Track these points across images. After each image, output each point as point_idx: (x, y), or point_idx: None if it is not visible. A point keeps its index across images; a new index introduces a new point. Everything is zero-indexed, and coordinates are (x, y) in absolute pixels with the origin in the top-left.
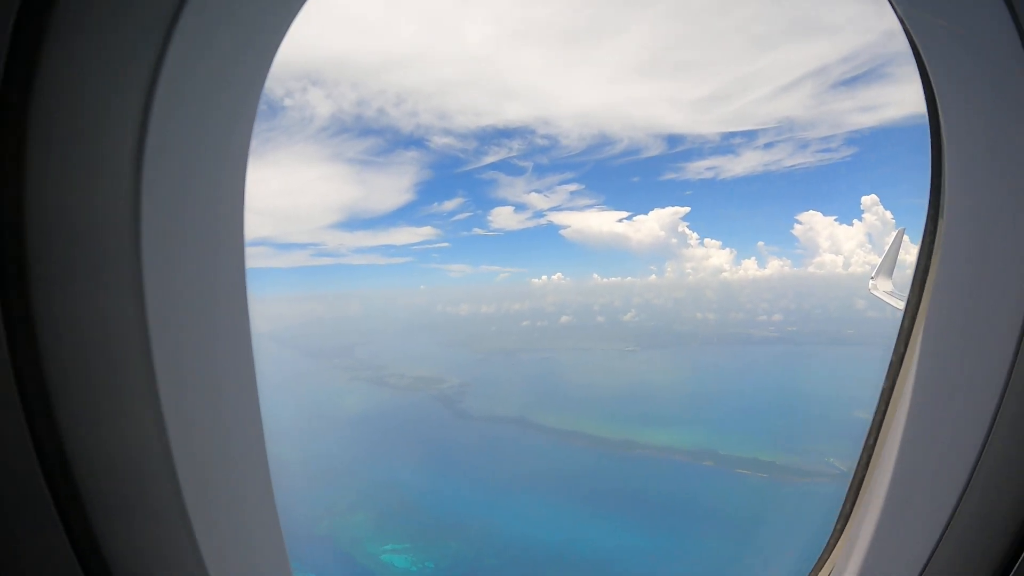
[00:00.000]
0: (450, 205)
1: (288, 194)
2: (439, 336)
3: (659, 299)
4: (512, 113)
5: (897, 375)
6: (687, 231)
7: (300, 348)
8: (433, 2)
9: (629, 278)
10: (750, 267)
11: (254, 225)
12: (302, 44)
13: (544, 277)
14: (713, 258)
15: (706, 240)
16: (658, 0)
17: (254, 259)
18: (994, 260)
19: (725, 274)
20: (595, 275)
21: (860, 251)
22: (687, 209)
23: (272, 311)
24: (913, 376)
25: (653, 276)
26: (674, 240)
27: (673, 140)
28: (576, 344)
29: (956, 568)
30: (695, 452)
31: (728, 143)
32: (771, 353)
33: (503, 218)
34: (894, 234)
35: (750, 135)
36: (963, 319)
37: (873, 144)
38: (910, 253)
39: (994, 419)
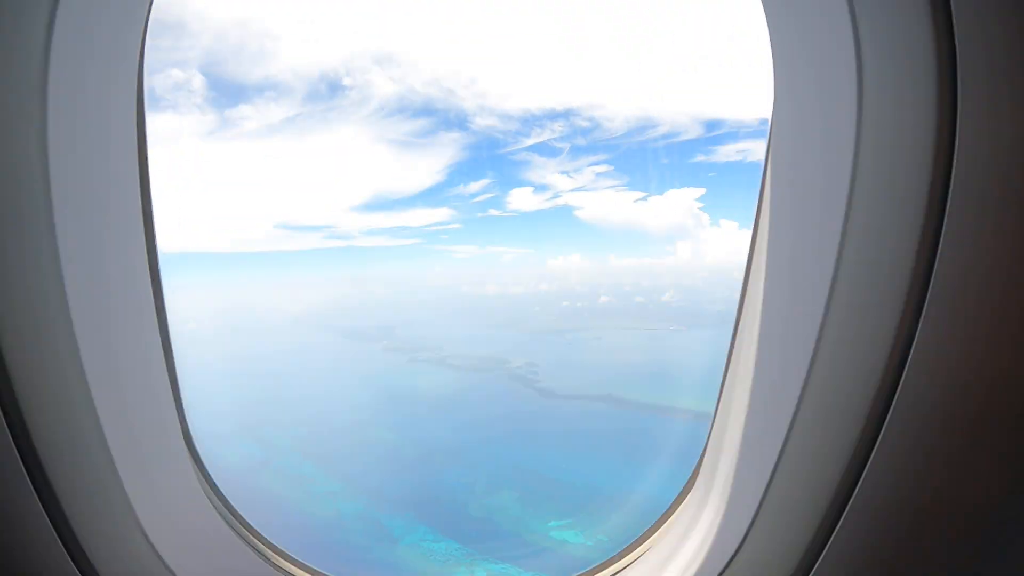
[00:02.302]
0: (475, 187)
1: (322, 176)
2: (477, 317)
3: (686, 279)
4: (569, 95)
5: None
6: (700, 212)
7: (337, 330)
8: None
9: (647, 259)
10: None
11: (282, 207)
12: (384, 24)
13: (561, 258)
14: (730, 239)
15: (721, 221)
16: None
17: (271, 242)
18: (810, 250)
19: (745, 255)
20: (612, 256)
21: None
22: (702, 190)
23: (292, 295)
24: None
25: (670, 257)
26: (690, 221)
27: (712, 124)
28: (620, 324)
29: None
30: None
31: (763, 128)
32: None
33: (521, 199)
34: None
35: None
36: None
37: None
38: None
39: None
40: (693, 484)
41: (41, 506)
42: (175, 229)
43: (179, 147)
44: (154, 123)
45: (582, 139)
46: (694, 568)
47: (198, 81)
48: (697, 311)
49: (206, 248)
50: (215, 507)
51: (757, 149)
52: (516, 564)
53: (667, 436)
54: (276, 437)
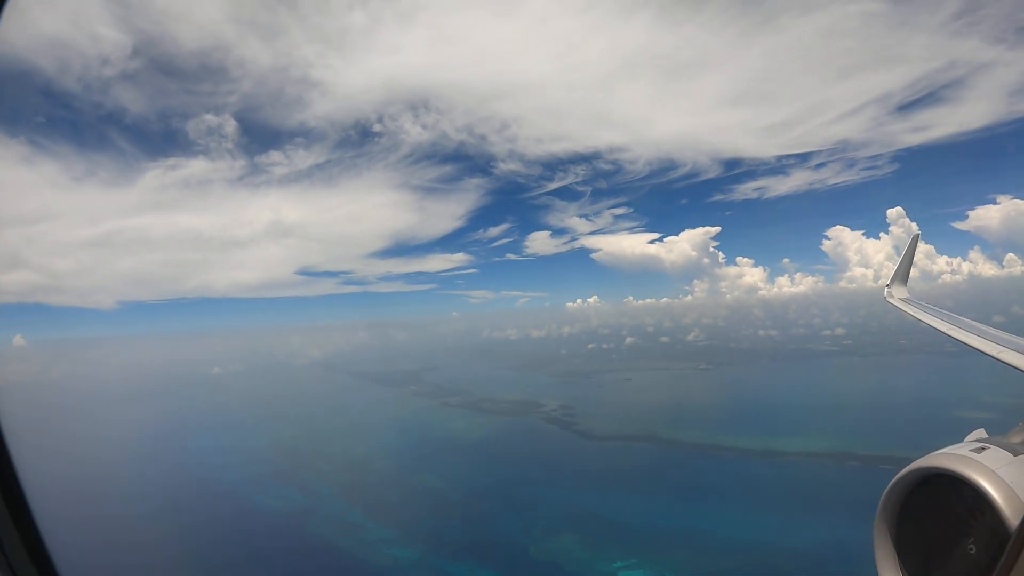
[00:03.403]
0: (495, 232)
1: (345, 222)
2: (502, 361)
3: (706, 319)
4: (592, 140)
5: None
6: (716, 251)
7: (363, 375)
8: (559, 32)
9: (664, 299)
10: (784, 284)
11: (304, 253)
12: (419, 71)
13: (579, 300)
14: (747, 276)
15: (738, 259)
16: (769, 34)
17: (292, 288)
18: None
19: (762, 292)
20: (630, 297)
21: (888, 263)
22: (717, 229)
23: (313, 340)
24: None
25: (689, 297)
26: (706, 260)
27: (731, 164)
28: (649, 364)
29: None
30: (836, 455)
31: (781, 164)
32: (842, 365)
33: (538, 243)
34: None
35: (804, 157)
36: None
37: (914, 161)
38: (935, 262)
39: None
40: None
41: None
42: (197, 275)
43: (208, 192)
44: (185, 168)
45: (604, 182)
46: None
47: (231, 127)
48: (723, 350)
49: (229, 294)
50: None
51: (774, 186)
52: None
53: (712, 473)
54: (318, 484)
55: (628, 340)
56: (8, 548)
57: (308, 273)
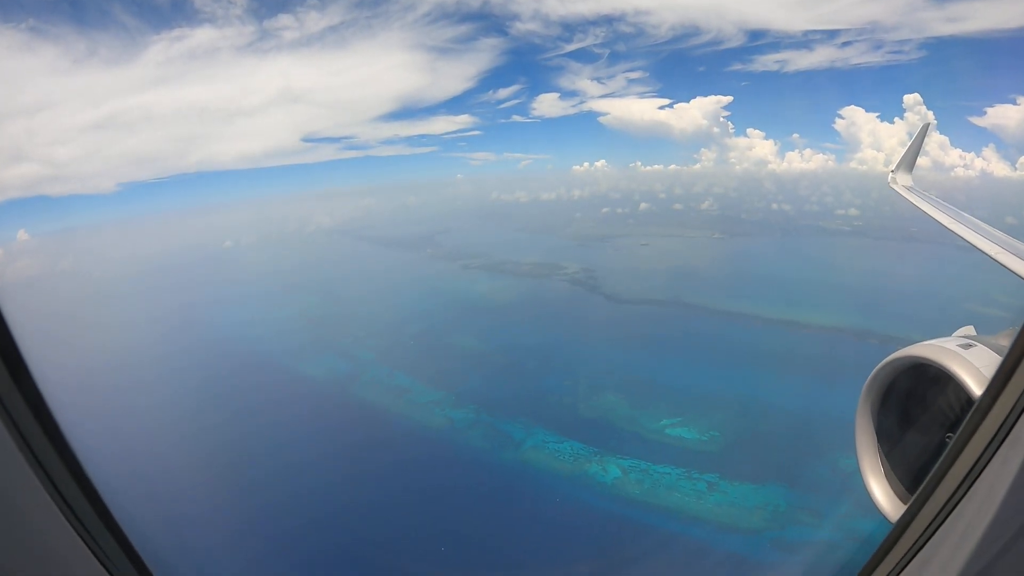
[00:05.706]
0: (504, 93)
1: (355, 86)
2: (514, 223)
3: (717, 188)
4: (619, 1)
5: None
6: (725, 121)
7: (377, 240)
8: None
9: (672, 166)
10: (794, 159)
11: (311, 118)
12: None
13: (586, 164)
14: (757, 148)
15: (748, 130)
16: None
17: (296, 155)
18: None
19: (771, 165)
20: (638, 163)
21: (900, 148)
22: (729, 99)
23: (319, 207)
24: None
25: (697, 165)
26: (715, 129)
27: (757, 34)
28: (663, 231)
29: None
30: (855, 331)
31: (807, 39)
32: (855, 245)
33: (546, 105)
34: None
35: (832, 34)
36: None
37: (942, 50)
38: (948, 154)
39: None
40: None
41: None
42: (201, 148)
43: (214, 61)
44: (191, 38)
45: (623, 45)
46: None
47: None
48: (736, 220)
49: (233, 165)
50: None
51: (796, 59)
52: (643, 459)
53: (742, 340)
54: (356, 349)
55: (642, 206)
56: (39, 453)
57: (312, 139)
